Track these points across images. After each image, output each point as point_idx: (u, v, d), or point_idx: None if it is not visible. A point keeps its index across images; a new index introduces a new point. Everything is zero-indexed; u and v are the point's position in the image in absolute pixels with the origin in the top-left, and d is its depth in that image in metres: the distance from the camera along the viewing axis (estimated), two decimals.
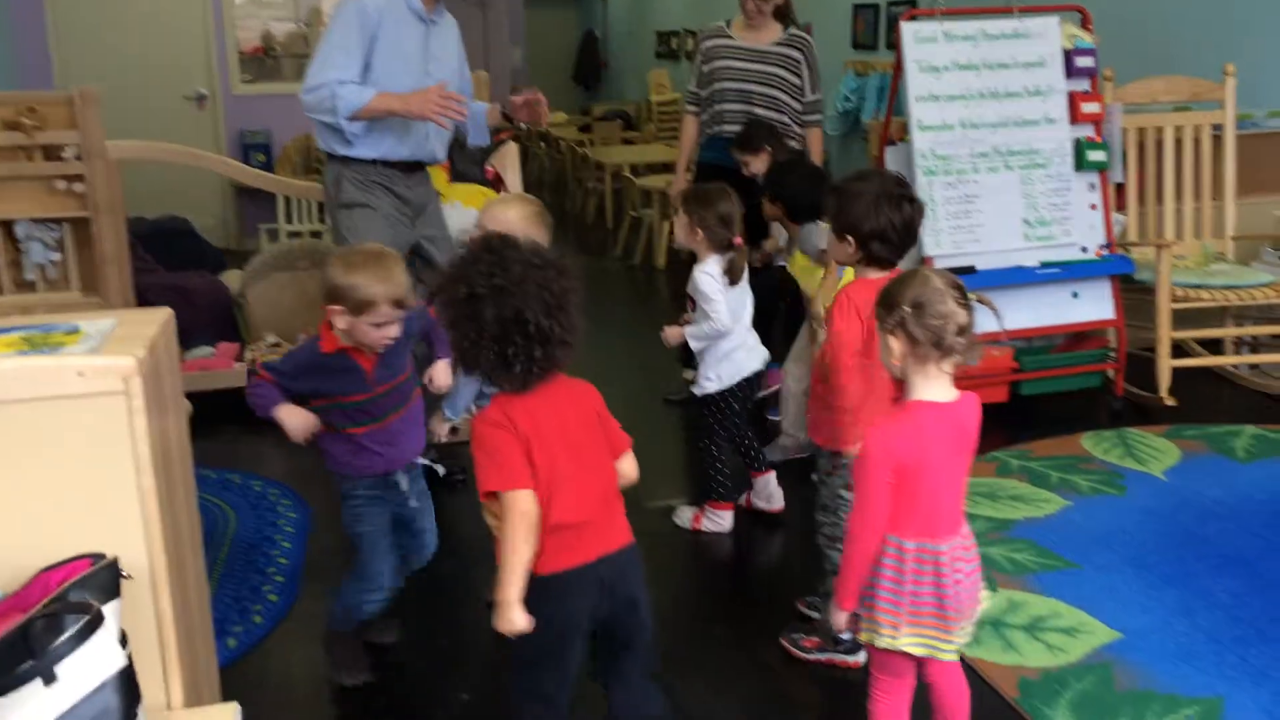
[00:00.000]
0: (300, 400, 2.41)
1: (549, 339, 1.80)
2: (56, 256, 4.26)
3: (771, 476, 3.50)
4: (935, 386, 1.96)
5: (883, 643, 2.02)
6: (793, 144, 4.34)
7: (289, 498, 3.59)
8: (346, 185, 3.37)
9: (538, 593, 1.86)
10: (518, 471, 1.81)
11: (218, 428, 3.94)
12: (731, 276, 3.21)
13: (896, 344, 1.94)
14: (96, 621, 1.28)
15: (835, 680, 2.63)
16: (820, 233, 3.62)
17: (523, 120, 3.60)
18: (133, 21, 7.29)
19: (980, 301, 1.98)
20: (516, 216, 2.70)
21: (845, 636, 2.63)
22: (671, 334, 3.31)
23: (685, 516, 3.44)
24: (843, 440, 2.50)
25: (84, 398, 1.48)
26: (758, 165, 4.03)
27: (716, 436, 3.35)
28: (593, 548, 1.91)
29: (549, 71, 15.38)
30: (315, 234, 6.38)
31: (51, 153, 4.14)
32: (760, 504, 3.50)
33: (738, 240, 3.22)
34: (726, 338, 3.24)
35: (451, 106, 3.17)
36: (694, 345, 3.26)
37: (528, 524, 1.81)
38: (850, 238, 2.43)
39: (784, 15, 4.37)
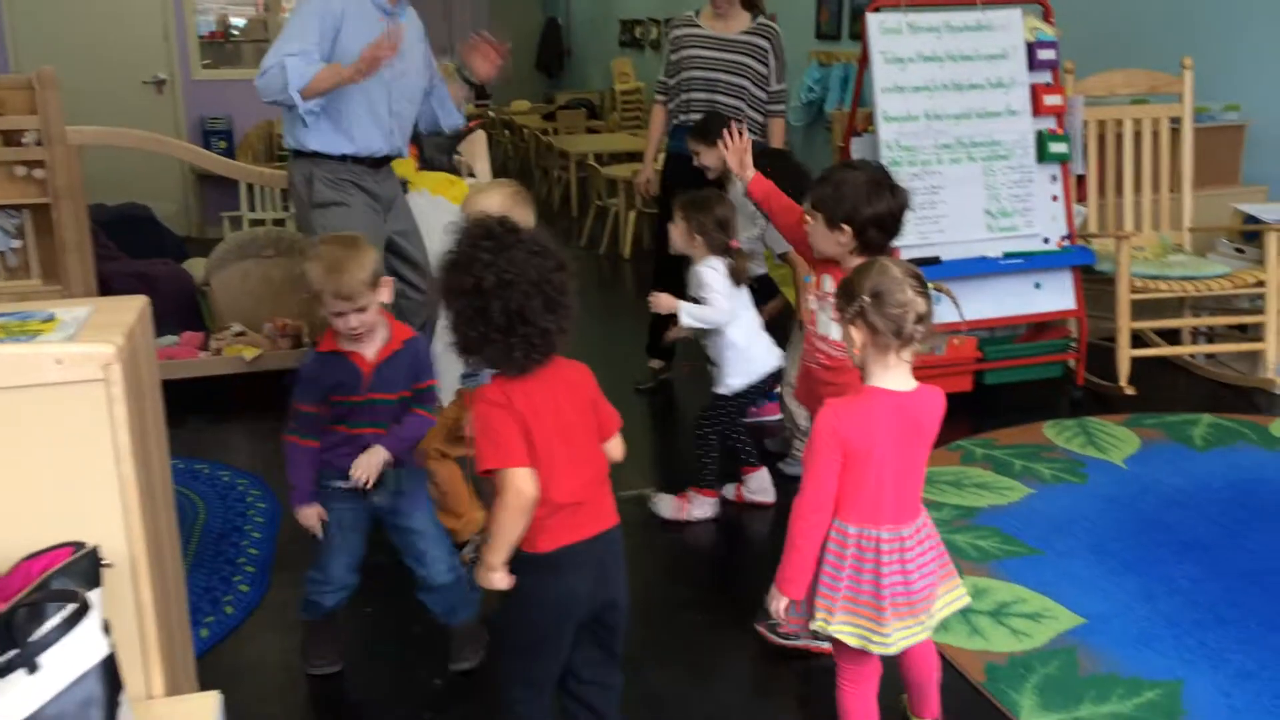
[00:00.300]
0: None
1: (549, 329, 1.83)
2: (17, 244, 4.20)
3: (764, 471, 3.53)
4: (893, 375, 2.00)
5: (814, 625, 2.06)
6: (755, 136, 4.36)
7: (258, 488, 3.57)
8: (319, 185, 3.34)
9: (539, 570, 1.90)
10: (515, 450, 1.83)
11: (183, 417, 3.91)
12: (735, 278, 3.24)
13: (857, 334, 1.97)
14: (83, 610, 1.28)
15: (811, 667, 2.66)
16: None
17: (480, 73, 3.61)
18: (89, 5, 7.18)
19: (938, 290, 2.02)
20: (499, 201, 2.69)
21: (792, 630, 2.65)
22: (664, 301, 3.30)
23: (667, 506, 3.44)
24: None
25: (63, 385, 1.47)
26: (710, 159, 3.96)
27: (719, 428, 3.37)
28: (590, 526, 1.94)
29: (511, 59, 15.26)
30: (278, 222, 6.32)
31: (11, 138, 4.08)
32: (754, 497, 3.51)
33: (734, 243, 3.25)
34: (746, 341, 3.26)
35: (388, 44, 3.10)
36: (685, 321, 3.24)
37: (523, 502, 1.83)
38: (846, 226, 2.43)
39: (753, 4, 4.38)
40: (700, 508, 3.43)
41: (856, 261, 2.44)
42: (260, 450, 3.92)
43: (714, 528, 3.41)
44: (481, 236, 1.83)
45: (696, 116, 4.27)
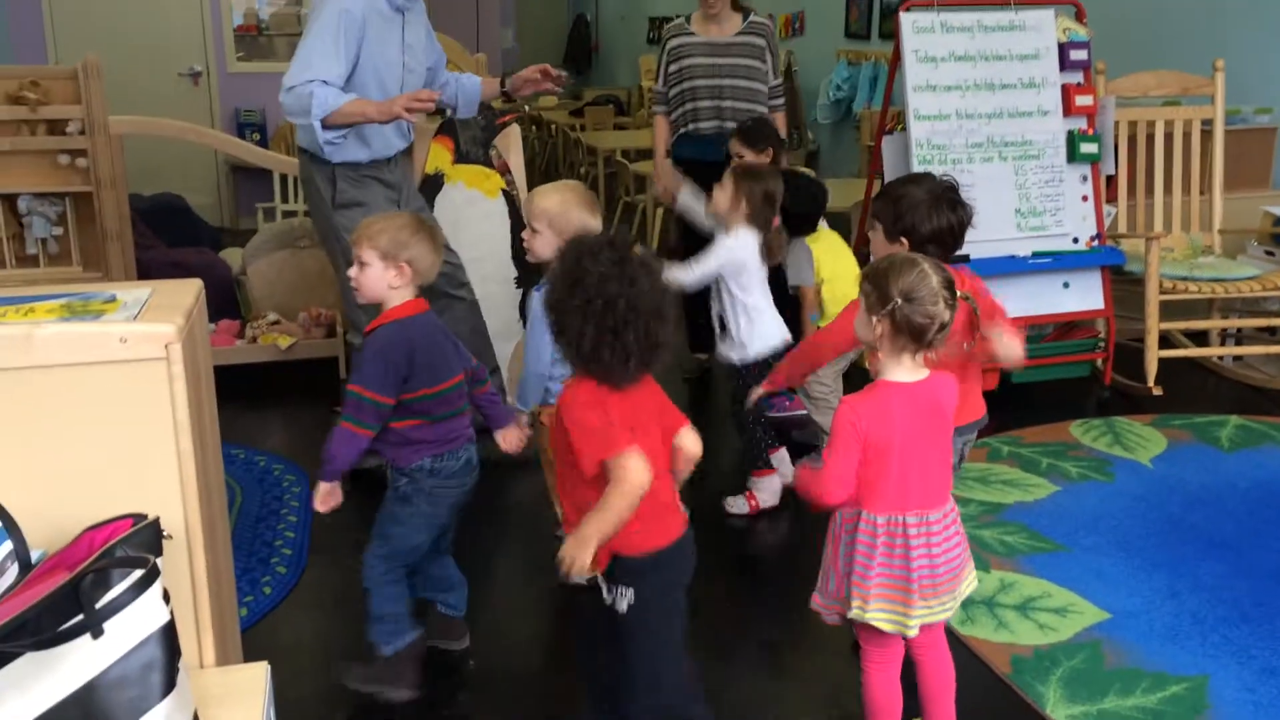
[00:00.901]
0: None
1: (659, 345, 1.88)
2: (58, 231, 4.29)
3: (775, 476, 3.51)
4: (905, 369, 2.05)
5: (852, 614, 2.10)
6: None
7: (293, 473, 3.63)
8: (342, 184, 3.36)
9: (663, 563, 1.97)
10: (623, 437, 1.86)
11: (219, 404, 3.95)
12: (768, 256, 3.28)
13: (879, 325, 2.00)
14: (153, 574, 1.33)
15: (831, 654, 2.70)
16: (803, 251, 3.67)
17: (521, 92, 3.67)
18: None
19: (965, 299, 2.06)
20: (558, 203, 2.72)
21: None
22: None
23: (740, 504, 3.45)
24: None
25: (126, 363, 1.51)
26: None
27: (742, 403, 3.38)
28: (679, 524, 2.02)
29: (539, 55, 15.30)
30: (310, 213, 6.39)
31: (55, 127, 4.16)
32: (767, 501, 3.48)
33: (776, 221, 3.28)
34: (756, 311, 3.29)
35: (418, 106, 3.13)
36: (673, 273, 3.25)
37: (641, 482, 1.85)
38: (905, 240, 2.45)
39: (739, 3, 4.40)
40: (766, 493, 3.44)
41: None
42: (295, 436, 3.99)
43: (723, 531, 3.43)
44: (600, 250, 1.86)
45: (705, 125, 4.31)
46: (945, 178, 2.55)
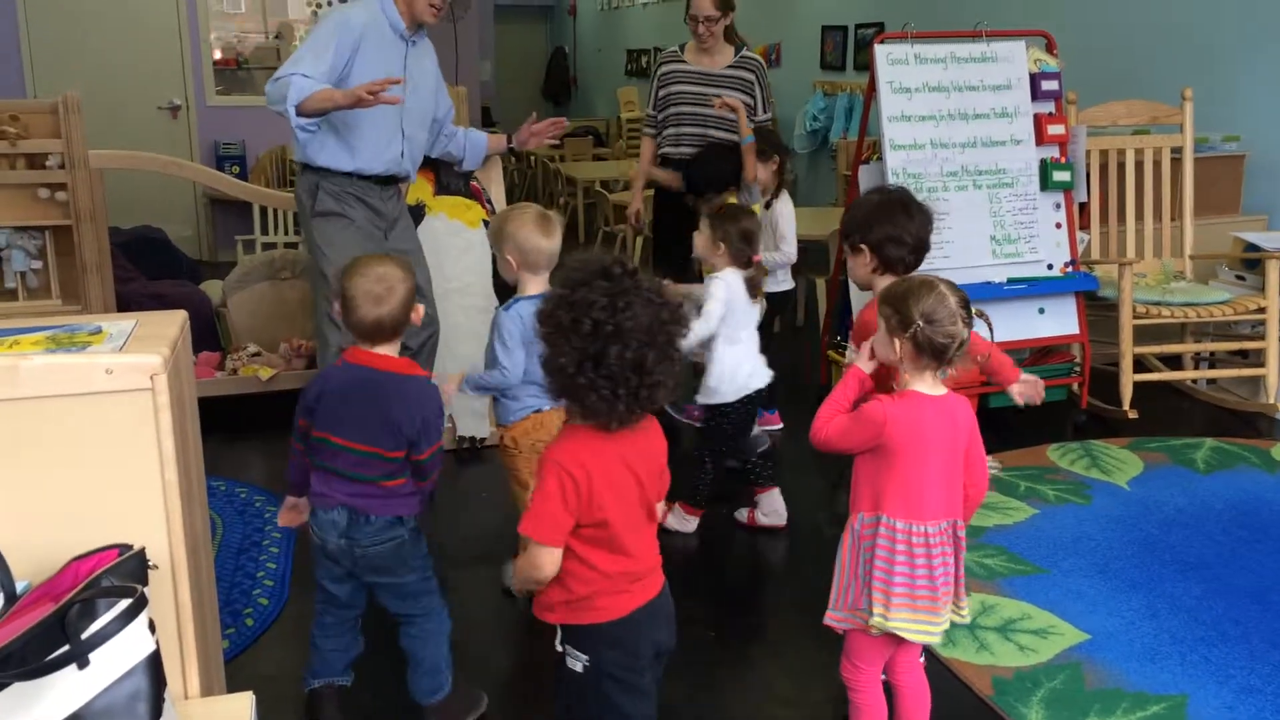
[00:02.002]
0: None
1: (656, 385, 1.75)
2: (38, 265, 4.28)
3: (776, 492, 3.55)
4: (928, 385, 2.10)
5: (874, 621, 2.11)
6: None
7: (275, 504, 3.62)
8: (322, 195, 3.42)
9: (626, 631, 1.86)
10: (558, 531, 1.78)
11: (201, 436, 3.96)
12: (751, 291, 3.33)
13: (900, 345, 2.05)
14: (141, 604, 1.34)
15: (819, 676, 2.71)
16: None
17: (529, 147, 3.78)
18: (107, 31, 7.30)
19: (979, 315, 2.11)
20: (513, 226, 2.77)
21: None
22: None
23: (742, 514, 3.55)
24: None
25: (112, 394, 1.52)
26: (764, 174, 4.12)
27: (714, 445, 3.44)
28: (652, 587, 1.91)
29: (518, 87, 15.46)
30: (291, 245, 6.40)
31: (34, 161, 4.16)
32: (765, 520, 3.53)
33: (756, 258, 3.33)
34: (735, 359, 3.33)
35: (377, 88, 3.12)
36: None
37: (540, 575, 1.82)
38: (864, 246, 2.52)
39: (733, 36, 4.48)
40: (679, 521, 3.48)
41: (884, 282, 2.51)
42: (276, 468, 3.98)
43: (725, 547, 3.46)
44: (597, 275, 1.74)
45: (688, 150, 4.38)
46: (900, 188, 2.64)
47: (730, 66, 4.41)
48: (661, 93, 4.49)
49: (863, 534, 2.13)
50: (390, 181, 3.58)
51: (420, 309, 2.40)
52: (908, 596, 2.08)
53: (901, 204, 2.54)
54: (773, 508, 3.55)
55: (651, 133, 4.58)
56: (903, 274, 2.53)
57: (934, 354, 2.04)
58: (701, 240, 3.38)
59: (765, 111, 4.51)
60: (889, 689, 2.28)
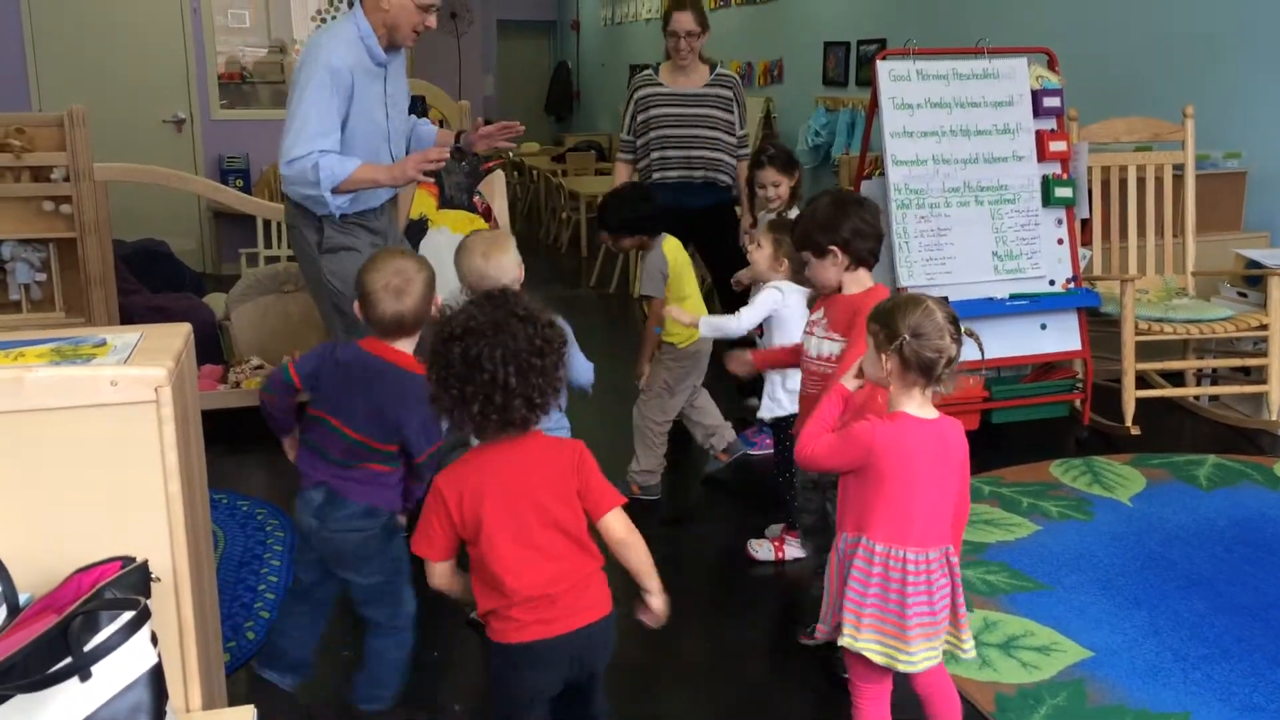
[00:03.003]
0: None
1: (510, 390, 1.80)
2: (42, 277, 4.29)
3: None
4: (916, 405, 2.08)
5: (843, 640, 2.11)
6: (728, 180, 4.51)
7: (276, 517, 3.62)
8: (329, 231, 3.33)
9: (508, 661, 1.92)
10: (437, 545, 1.92)
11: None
12: (810, 305, 3.30)
13: (888, 361, 2.04)
14: (144, 616, 1.33)
15: (819, 697, 2.70)
16: (658, 259, 3.69)
17: (479, 150, 3.68)
18: (112, 44, 7.33)
19: (969, 335, 2.10)
20: (467, 253, 2.80)
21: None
22: (676, 313, 3.36)
23: (764, 549, 3.43)
24: None
25: (116, 406, 1.53)
26: (784, 189, 4.06)
27: (788, 458, 3.36)
28: (564, 621, 1.89)
29: (521, 101, 15.50)
30: (293, 258, 6.41)
31: (39, 174, 4.18)
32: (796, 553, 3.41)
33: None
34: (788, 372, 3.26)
35: (428, 165, 3.20)
36: (703, 330, 3.34)
37: (435, 584, 1.97)
38: (834, 247, 2.57)
39: (704, 56, 4.51)
40: (794, 548, 3.39)
41: (864, 279, 2.61)
42: (278, 481, 3.98)
43: (725, 562, 3.45)
44: (476, 299, 1.89)
45: (673, 174, 4.41)
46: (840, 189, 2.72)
47: (708, 85, 4.45)
48: (640, 117, 4.50)
49: (846, 553, 2.13)
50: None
51: (439, 299, 2.38)
52: (877, 619, 2.08)
53: (854, 200, 2.63)
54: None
55: (628, 158, 4.58)
56: (873, 266, 2.62)
57: (921, 370, 2.02)
58: (762, 256, 3.33)
59: (743, 127, 4.55)
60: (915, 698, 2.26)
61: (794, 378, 3.28)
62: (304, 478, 2.39)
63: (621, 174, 4.64)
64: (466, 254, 2.78)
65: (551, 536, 1.88)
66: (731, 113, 4.46)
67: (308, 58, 3.22)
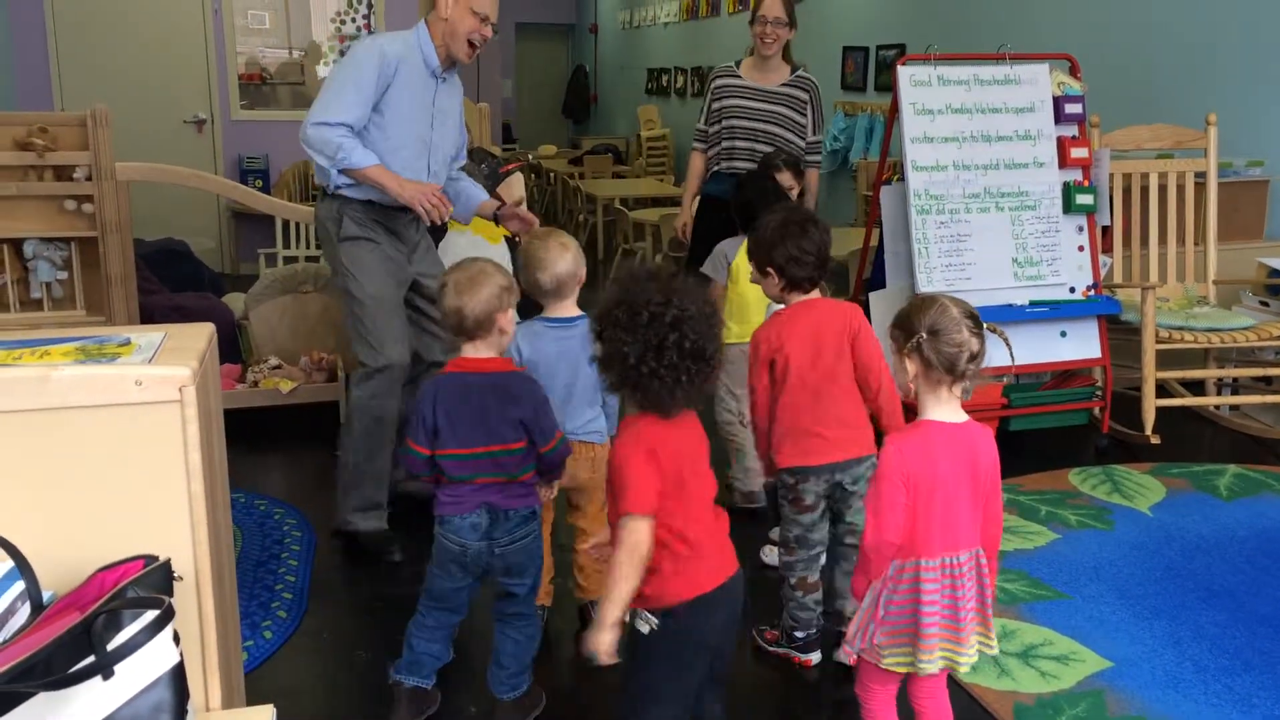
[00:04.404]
0: None
1: (711, 369, 1.89)
2: (63, 275, 4.30)
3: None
4: (945, 409, 2.06)
5: (885, 664, 2.09)
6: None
7: (294, 517, 3.63)
8: (348, 222, 3.40)
9: (687, 616, 1.93)
10: (649, 497, 1.87)
11: None
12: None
13: (910, 365, 2.03)
14: (168, 615, 1.34)
15: (839, 695, 2.69)
16: (728, 248, 3.69)
17: (511, 230, 3.75)
18: (134, 45, 7.37)
19: (992, 330, 2.07)
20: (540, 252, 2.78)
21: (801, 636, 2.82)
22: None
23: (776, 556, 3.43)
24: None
25: (141, 405, 1.53)
26: (795, 193, 4.03)
27: None
28: (725, 570, 1.99)
29: (539, 104, 15.54)
30: (312, 259, 6.43)
31: (62, 173, 4.20)
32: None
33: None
34: None
35: (439, 209, 3.26)
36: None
37: (642, 552, 1.88)
38: (770, 269, 2.65)
39: (789, 57, 4.49)
40: (771, 556, 3.37)
41: (796, 299, 2.68)
42: (296, 481, 3.99)
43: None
44: (646, 277, 1.89)
45: (740, 165, 4.37)
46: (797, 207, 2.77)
47: (785, 84, 4.42)
48: (715, 106, 4.50)
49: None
50: (406, 209, 3.57)
51: (512, 316, 2.47)
52: (895, 632, 2.07)
53: (800, 224, 2.64)
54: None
55: (701, 147, 4.59)
56: (809, 290, 2.68)
57: (945, 367, 2.00)
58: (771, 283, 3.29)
59: (817, 134, 4.51)
60: (911, 712, 2.26)
61: None
62: (453, 507, 2.41)
63: (695, 162, 4.63)
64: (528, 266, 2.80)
65: (709, 494, 2.00)
66: (805, 115, 4.43)
67: (361, 42, 3.38)
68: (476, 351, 2.42)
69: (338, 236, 3.44)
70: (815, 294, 2.71)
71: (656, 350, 1.83)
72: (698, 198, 4.68)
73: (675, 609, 1.93)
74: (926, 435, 2.05)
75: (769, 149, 4.35)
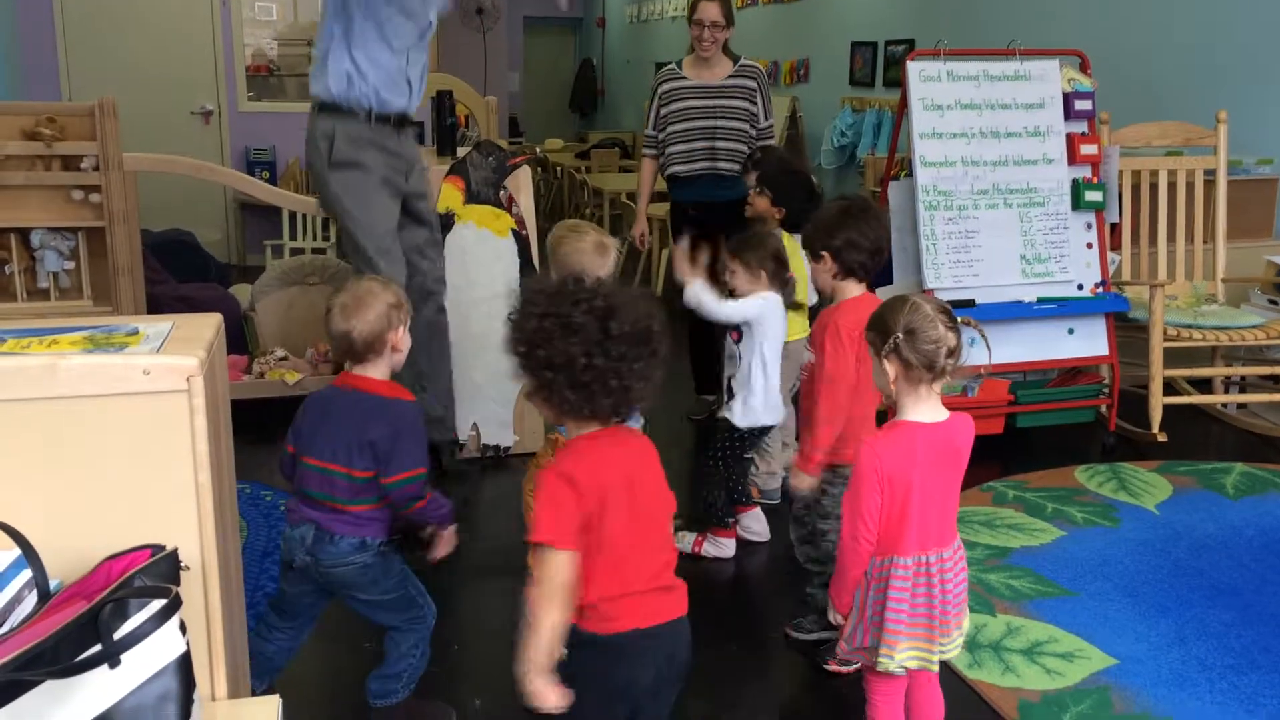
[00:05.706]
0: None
1: (655, 353, 1.76)
2: (70, 265, 4.31)
3: (758, 510, 3.57)
4: (925, 407, 2.07)
5: (880, 665, 2.09)
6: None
7: None
8: (339, 143, 3.37)
9: (607, 653, 1.80)
10: (568, 531, 1.73)
11: None
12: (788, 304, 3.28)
13: (891, 367, 2.03)
14: (175, 604, 1.34)
15: (835, 693, 2.69)
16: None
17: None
18: (142, 36, 7.38)
19: (967, 324, 2.08)
20: (570, 251, 2.78)
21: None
22: (678, 256, 3.26)
23: (687, 540, 3.46)
24: (841, 453, 2.63)
25: (148, 395, 1.53)
26: (764, 204, 4.00)
27: (727, 459, 3.37)
28: (661, 611, 1.83)
29: (546, 98, 15.53)
30: (319, 250, 6.44)
31: (69, 163, 4.20)
32: (749, 535, 3.53)
33: (791, 275, 3.28)
34: (765, 380, 3.23)
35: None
36: (688, 294, 3.19)
37: (559, 588, 1.73)
38: (825, 253, 2.63)
39: (729, 52, 4.50)
40: (715, 547, 3.44)
41: (852, 289, 2.66)
42: None
43: (719, 563, 3.44)
44: (554, 286, 1.77)
45: (699, 166, 4.38)
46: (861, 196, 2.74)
47: (731, 76, 4.43)
48: (663, 111, 4.50)
49: (875, 575, 2.12)
50: (404, 123, 3.58)
51: (404, 335, 2.35)
52: (913, 629, 2.07)
53: (861, 211, 2.65)
54: (757, 526, 3.54)
55: (652, 153, 4.60)
56: (862, 279, 2.65)
57: (924, 365, 2.00)
58: (740, 278, 3.23)
59: (769, 118, 4.53)
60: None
61: (774, 391, 3.28)
62: (290, 513, 2.36)
63: (646, 169, 4.66)
64: (577, 256, 2.77)
65: (654, 528, 1.85)
66: (755, 103, 4.44)
67: None
68: (365, 372, 2.33)
69: (329, 160, 3.39)
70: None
71: (600, 344, 1.70)
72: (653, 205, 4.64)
73: (585, 641, 1.78)
74: (904, 435, 2.05)
75: (727, 144, 4.35)
